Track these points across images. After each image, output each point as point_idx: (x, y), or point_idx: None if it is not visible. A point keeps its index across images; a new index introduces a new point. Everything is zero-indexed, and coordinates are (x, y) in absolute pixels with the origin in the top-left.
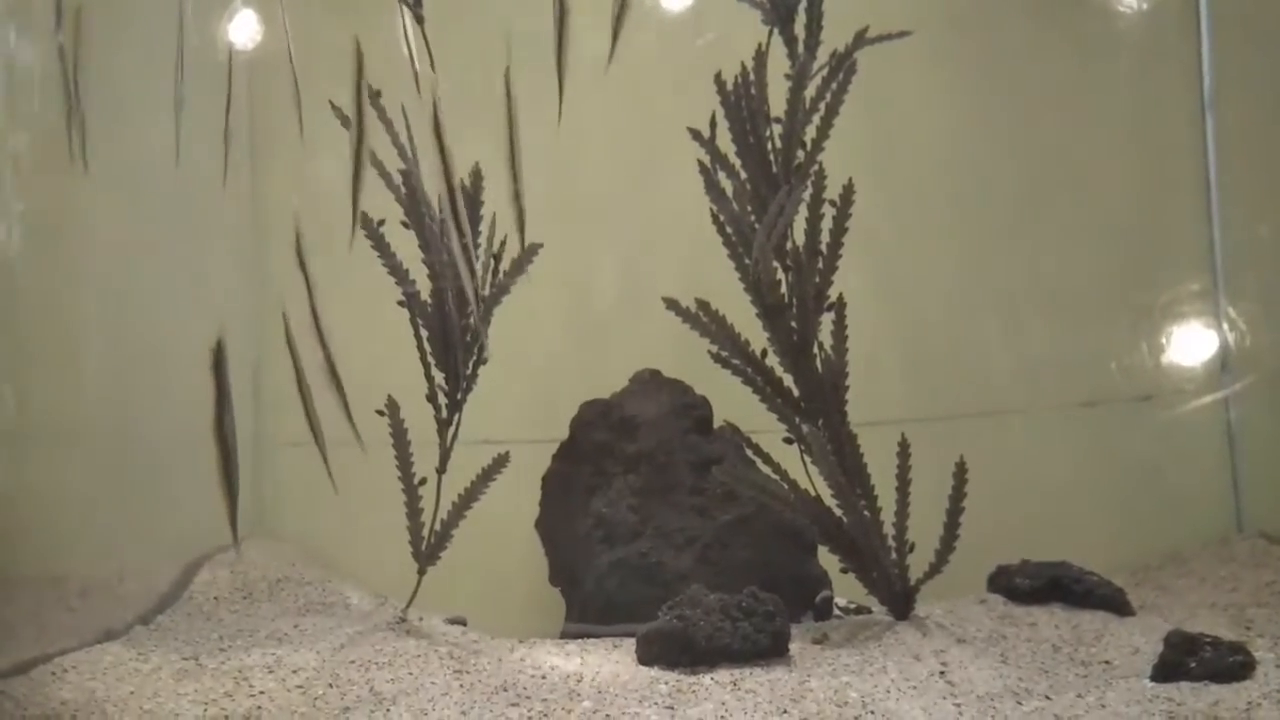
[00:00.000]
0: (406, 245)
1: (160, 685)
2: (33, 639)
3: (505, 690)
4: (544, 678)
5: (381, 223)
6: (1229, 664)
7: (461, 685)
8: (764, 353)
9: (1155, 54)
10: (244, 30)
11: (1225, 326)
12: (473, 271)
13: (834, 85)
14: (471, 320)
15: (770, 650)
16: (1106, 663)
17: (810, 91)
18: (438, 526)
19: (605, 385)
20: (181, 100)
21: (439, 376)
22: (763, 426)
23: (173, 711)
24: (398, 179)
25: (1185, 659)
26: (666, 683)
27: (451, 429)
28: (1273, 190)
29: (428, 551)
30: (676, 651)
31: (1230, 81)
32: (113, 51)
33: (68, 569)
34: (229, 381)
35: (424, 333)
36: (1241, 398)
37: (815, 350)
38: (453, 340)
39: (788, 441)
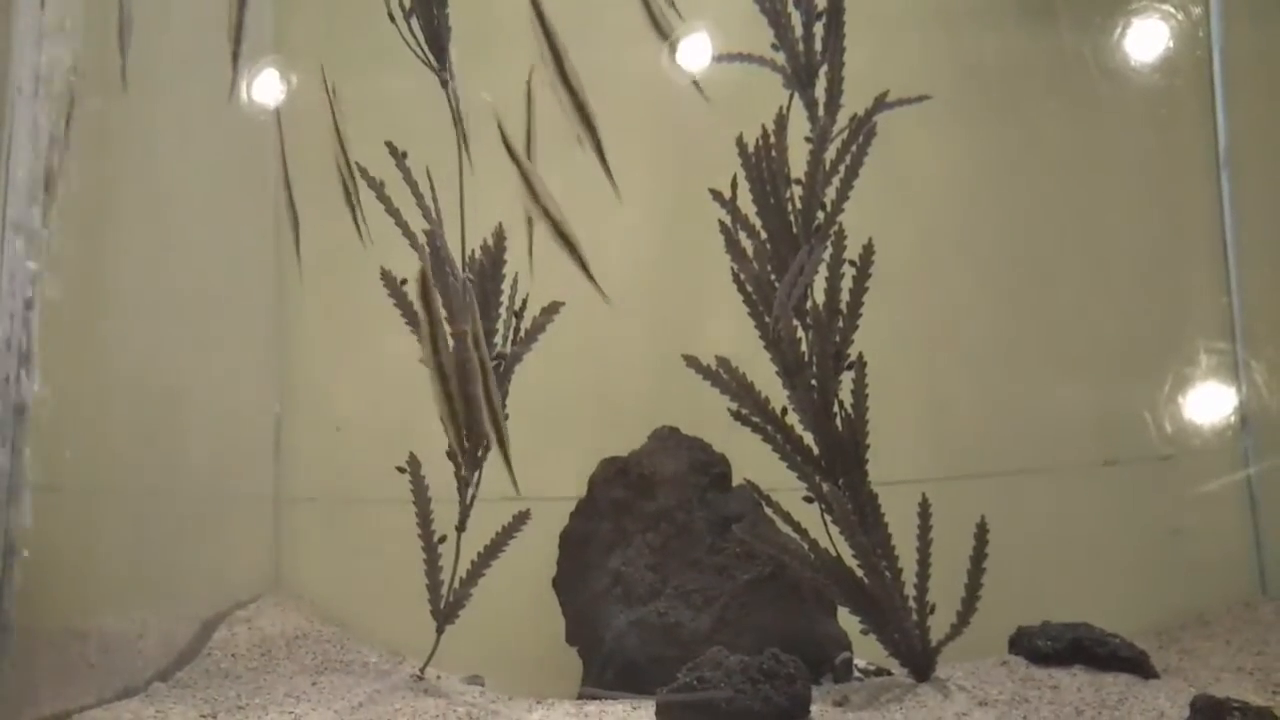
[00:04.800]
0: None
1: None
2: (55, 695)
3: None
4: None
5: (404, 282)
6: None
7: None
8: (784, 411)
9: (1170, 112)
10: (277, 89)
11: (1244, 385)
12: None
13: (854, 148)
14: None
15: (790, 713)
16: None
17: (830, 153)
18: (457, 584)
19: (624, 442)
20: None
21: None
22: (782, 485)
23: None
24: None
25: None
26: None
27: (471, 486)
28: None
29: (446, 609)
30: (697, 714)
31: (1245, 139)
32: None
33: (89, 625)
34: (439, 309)
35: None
36: (1262, 456)
37: (836, 409)
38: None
39: (808, 500)
